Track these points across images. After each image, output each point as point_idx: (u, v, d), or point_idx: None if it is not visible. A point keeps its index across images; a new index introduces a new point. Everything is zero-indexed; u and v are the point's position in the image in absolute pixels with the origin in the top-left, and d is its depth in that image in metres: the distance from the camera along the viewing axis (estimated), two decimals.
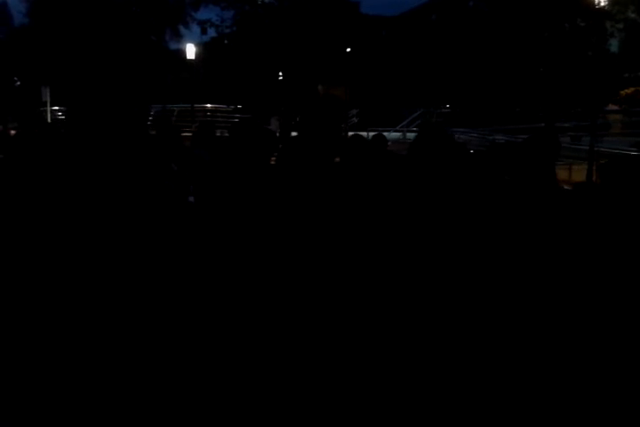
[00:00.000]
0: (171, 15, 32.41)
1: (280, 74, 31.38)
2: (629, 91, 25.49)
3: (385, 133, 23.46)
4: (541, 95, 24.87)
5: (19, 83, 33.73)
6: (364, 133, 23.04)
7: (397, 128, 23.26)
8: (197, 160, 4.58)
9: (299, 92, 26.62)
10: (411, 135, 22.34)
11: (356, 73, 28.63)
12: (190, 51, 24.83)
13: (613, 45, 28.97)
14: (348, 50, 30.54)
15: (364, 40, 31.69)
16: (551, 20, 26.03)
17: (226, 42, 33.53)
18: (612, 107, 24.84)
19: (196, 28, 33.91)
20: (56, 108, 22.03)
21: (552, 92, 24.29)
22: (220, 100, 26.96)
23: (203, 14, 33.69)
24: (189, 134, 13.71)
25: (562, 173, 11.45)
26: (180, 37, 33.80)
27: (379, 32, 34.41)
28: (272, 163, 3.53)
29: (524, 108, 25.86)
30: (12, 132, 8.90)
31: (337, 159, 3.64)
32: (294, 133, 4.89)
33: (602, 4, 16.46)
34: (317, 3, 29.30)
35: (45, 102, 21.19)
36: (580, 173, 13.62)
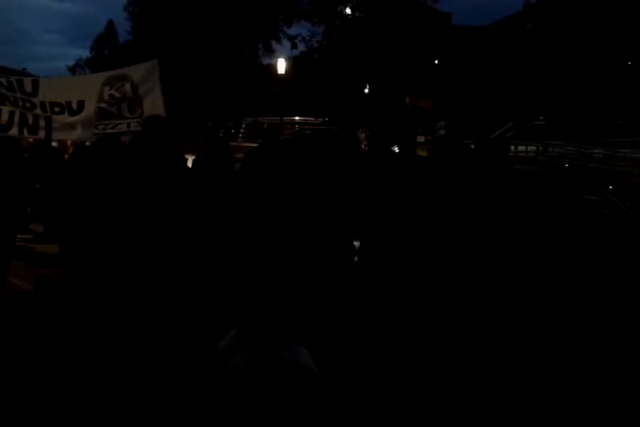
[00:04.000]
0: (264, 31, 33.42)
1: (367, 86, 31.51)
2: None
3: (474, 146, 22.85)
4: None
5: None
6: None
7: None
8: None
9: (386, 105, 26.59)
10: None
11: (444, 84, 28.22)
12: (281, 65, 25.48)
13: None
14: (436, 62, 30.21)
15: (453, 51, 31.23)
16: None
17: (315, 56, 34.13)
18: None
19: (286, 43, 34.79)
20: None
21: None
22: (308, 112, 27.43)
23: (293, 30, 34.56)
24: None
25: None
26: (271, 53, 34.77)
27: (468, 43, 33.78)
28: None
29: (625, 120, 24.40)
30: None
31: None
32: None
33: None
34: (409, 16, 29.24)
35: None
36: None
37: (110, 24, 46.32)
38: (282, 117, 23.32)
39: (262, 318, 1.88)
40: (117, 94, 5.78)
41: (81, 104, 5.72)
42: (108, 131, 5.73)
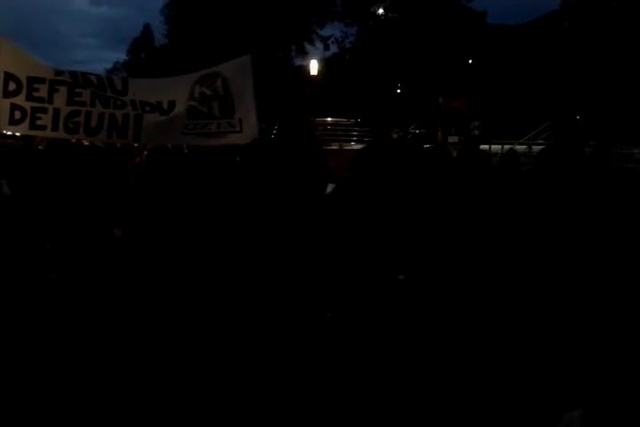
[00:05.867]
0: (297, 33, 33.60)
1: (399, 86, 31.36)
2: None
3: (508, 146, 22.45)
4: None
5: None
6: (486, 146, 22.27)
7: (522, 141, 22.22)
8: None
9: (419, 105, 26.42)
10: (537, 148, 21.20)
11: (478, 84, 27.89)
12: (313, 67, 25.58)
13: None
14: (470, 61, 29.88)
15: (487, 50, 30.85)
16: None
17: (347, 57, 34.16)
18: None
19: (318, 45, 34.92)
20: None
21: None
22: (340, 113, 27.43)
23: (326, 31, 34.67)
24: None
25: None
26: (304, 54, 34.94)
27: (503, 41, 33.34)
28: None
29: None
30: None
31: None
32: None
33: None
34: (443, 15, 29.02)
35: None
36: None
37: (147, 27, 47.23)
38: (314, 118, 23.40)
39: None
40: (208, 92, 5.46)
41: (172, 104, 5.46)
42: (198, 131, 5.45)
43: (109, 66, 49.80)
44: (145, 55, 46.64)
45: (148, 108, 5.40)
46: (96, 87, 5.39)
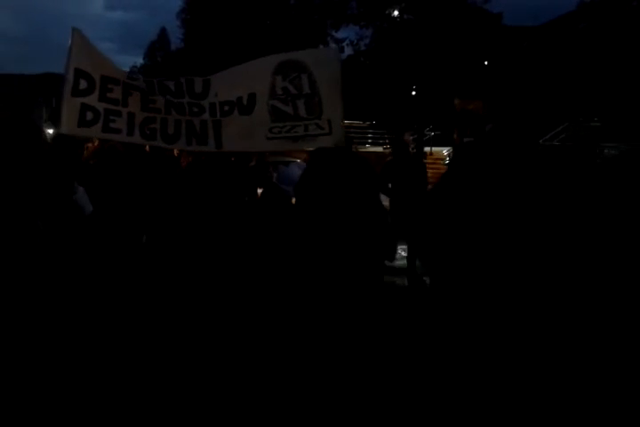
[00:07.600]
0: (312, 36, 33.67)
1: (414, 88, 31.28)
2: None
3: None
4: None
5: None
6: None
7: (539, 142, 22.03)
8: None
9: (434, 107, 26.33)
10: None
11: (494, 86, 27.76)
12: None
13: None
14: (486, 63, 29.74)
15: (503, 52, 30.70)
16: None
17: (362, 59, 34.16)
18: None
19: (332, 47, 34.93)
20: None
21: None
22: (355, 115, 27.42)
23: (341, 33, 34.74)
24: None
25: None
26: None
27: (519, 43, 33.15)
28: None
29: None
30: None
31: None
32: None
33: None
34: (459, 17, 28.93)
35: None
36: None
37: (163, 31, 47.64)
38: None
39: None
40: (293, 90, 4.97)
41: (252, 98, 4.98)
42: (283, 135, 4.97)
43: (126, 70, 50.14)
44: (161, 59, 47.00)
45: (226, 108, 5.00)
46: (172, 94, 4.97)
